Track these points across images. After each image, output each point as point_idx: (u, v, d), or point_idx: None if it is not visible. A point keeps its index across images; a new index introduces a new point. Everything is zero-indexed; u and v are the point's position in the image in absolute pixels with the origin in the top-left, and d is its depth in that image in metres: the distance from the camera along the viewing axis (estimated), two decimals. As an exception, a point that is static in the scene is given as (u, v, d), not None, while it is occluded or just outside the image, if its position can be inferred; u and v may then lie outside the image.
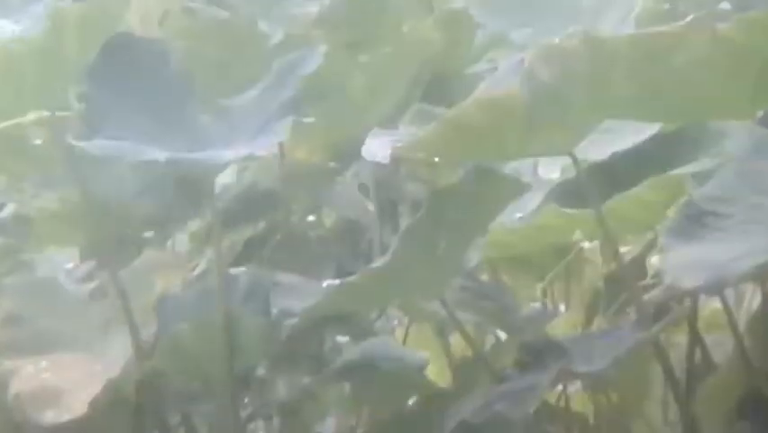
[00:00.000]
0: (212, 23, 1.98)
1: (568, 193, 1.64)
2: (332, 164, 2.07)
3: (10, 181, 1.89)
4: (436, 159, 1.65)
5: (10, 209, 1.80)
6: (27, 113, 1.75)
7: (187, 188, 1.83)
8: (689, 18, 1.41)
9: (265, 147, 1.65)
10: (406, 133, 1.48)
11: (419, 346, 1.89)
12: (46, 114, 1.73)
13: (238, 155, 1.68)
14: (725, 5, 1.63)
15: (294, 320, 1.62)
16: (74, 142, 1.60)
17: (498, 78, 1.50)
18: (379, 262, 1.49)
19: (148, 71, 1.71)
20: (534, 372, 1.45)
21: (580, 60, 1.39)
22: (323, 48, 1.67)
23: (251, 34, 1.95)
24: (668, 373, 1.54)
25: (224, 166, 1.70)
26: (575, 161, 1.48)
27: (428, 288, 1.56)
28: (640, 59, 1.40)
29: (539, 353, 1.49)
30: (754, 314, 1.65)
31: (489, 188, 1.51)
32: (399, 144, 1.45)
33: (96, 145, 1.60)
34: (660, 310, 1.53)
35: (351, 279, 1.51)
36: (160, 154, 1.58)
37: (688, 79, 1.46)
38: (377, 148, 1.48)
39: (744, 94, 1.53)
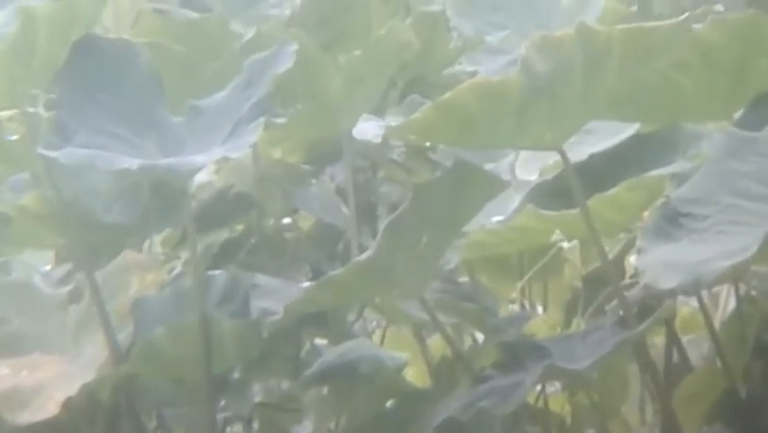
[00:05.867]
0: (184, 24, 1.97)
1: (546, 194, 1.65)
2: (307, 166, 2.07)
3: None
4: (427, 143, 1.65)
5: (-16, 211, 1.78)
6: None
7: (162, 191, 1.83)
8: (685, 15, 1.42)
9: (238, 149, 1.64)
10: (395, 119, 1.48)
11: (397, 349, 1.89)
12: (19, 112, 1.71)
13: (211, 159, 1.67)
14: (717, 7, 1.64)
15: (272, 321, 1.61)
16: (45, 152, 1.58)
17: (499, 68, 1.50)
18: (362, 257, 1.49)
19: (117, 73, 1.70)
20: (517, 371, 1.46)
21: (574, 51, 1.39)
22: (294, 46, 1.67)
23: (223, 34, 1.95)
24: (648, 372, 1.55)
25: (197, 170, 1.69)
26: (564, 157, 1.48)
27: (410, 285, 1.56)
28: (634, 53, 1.41)
29: (520, 353, 1.50)
30: (730, 314, 1.67)
31: (471, 184, 1.52)
32: (393, 125, 1.45)
33: (68, 154, 1.59)
34: (639, 310, 1.54)
35: (334, 273, 1.51)
36: (133, 162, 1.57)
37: (668, 80, 1.47)
38: (369, 128, 1.48)
39: (720, 96, 1.55)
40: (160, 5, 1.99)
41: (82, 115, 1.66)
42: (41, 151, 1.60)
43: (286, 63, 1.66)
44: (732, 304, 1.68)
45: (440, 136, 1.53)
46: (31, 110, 1.73)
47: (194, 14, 1.98)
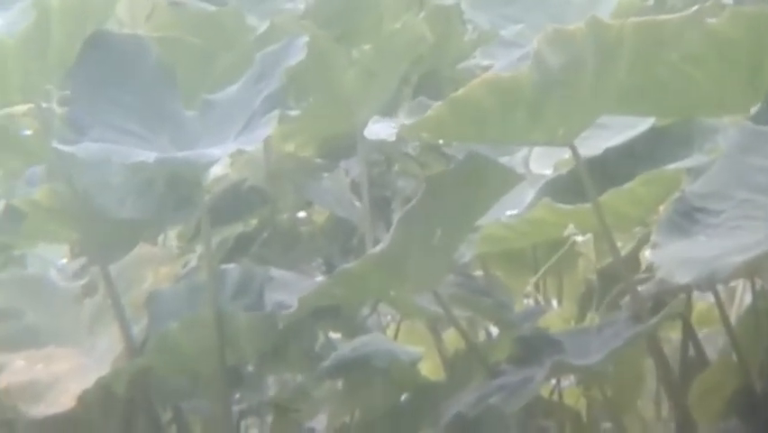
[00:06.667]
0: (199, 17, 1.97)
1: (561, 188, 1.64)
2: (320, 160, 2.07)
3: (2, 175, 1.88)
4: (440, 140, 1.64)
5: (1, 205, 1.79)
6: (13, 105, 1.74)
7: (177, 185, 1.83)
8: (695, 8, 1.41)
9: (253, 141, 1.64)
10: (408, 118, 1.48)
11: (411, 343, 1.89)
12: (34, 106, 1.71)
13: (226, 152, 1.67)
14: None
15: (287, 314, 1.61)
16: (60, 147, 1.59)
17: (511, 62, 1.50)
18: (376, 250, 1.48)
19: (129, 68, 1.71)
20: (530, 366, 1.46)
21: (586, 45, 1.39)
22: (305, 38, 1.66)
23: (238, 27, 1.95)
24: (662, 366, 1.55)
25: (213, 163, 1.69)
26: (575, 152, 1.48)
27: (424, 278, 1.55)
28: (645, 46, 1.40)
29: (535, 347, 1.49)
30: (746, 310, 1.66)
31: (485, 176, 1.51)
32: (406, 123, 1.45)
33: (84, 149, 1.59)
34: (653, 305, 1.54)
35: (348, 266, 1.50)
36: (149, 155, 1.58)
37: (682, 74, 1.47)
38: (381, 128, 1.48)
39: (736, 90, 1.54)
40: (176, -3, 2.00)
41: (95, 110, 1.66)
42: (56, 145, 1.60)
43: (297, 56, 1.66)
44: (748, 299, 1.68)
45: (453, 133, 1.52)
46: (44, 105, 1.73)
47: (210, 7, 1.98)
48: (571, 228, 1.68)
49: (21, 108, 1.76)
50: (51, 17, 1.66)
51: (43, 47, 1.67)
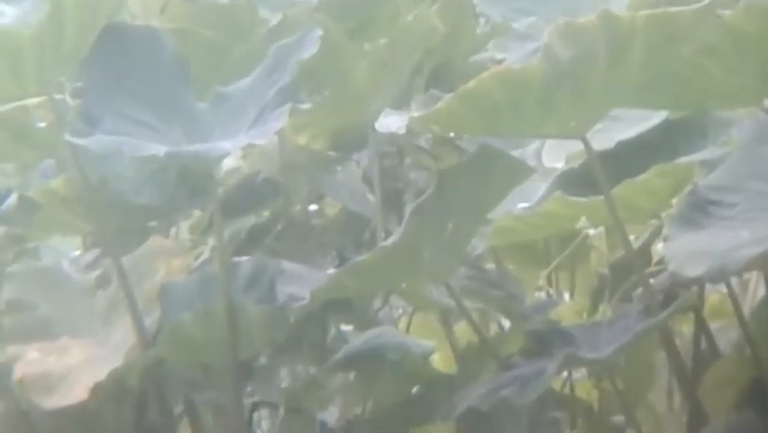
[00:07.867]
0: (212, 9, 1.97)
1: (574, 181, 1.64)
2: (333, 153, 2.07)
3: (16, 168, 1.88)
4: (451, 133, 1.64)
5: (15, 197, 1.80)
6: (27, 97, 1.75)
7: (189, 176, 1.83)
8: (705, 1, 1.41)
9: (264, 135, 1.65)
10: (418, 110, 1.48)
11: (423, 336, 1.89)
12: (47, 98, 1.72)
13: (237, 145, 1.68)
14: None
15: (299, 306, 1.62)
16: (73, 139, 1.59)
17: (524, 55, 1.50)
18: (388, 242, 1.49)
19: (144, 60, 1.71)
20: (541, 359, 1.46)
21: (597, 38, 1.39)
22: (319, 32, 1.66)
23: (250, 19, 1.95)
24: (674, 359, 1.55)
25: (224, 157, 1.70)
26: (587, 145, 1.48)
27: (436, 271, 1.55)
28: (657, 38, 1.40)
29: (546, 340, 1.50)
30: (759, 302, 1.66)
31: (497, 169, 1.51)
32: (416, 115, 1.45)
33: (96, 141, 1.60)
34: (665, 298, 1.53)
35: (360, 259, 1.51)
36: (160, 148, 1.58)
37: (695, 66, 1.46)
38: (392, 121, 1.48)
39: (750, 82, 1.53)
40: (189, -11, 2.00)
41: (108, 101, 1.67)
42: (68, 138, 1.60)
43: (311, 49, 1.66)
44: (761, 291, 1.67)
45: (463, 126, 1.52)
46: (58, 97, 1.74)
47: (222, 0, 1.98)
48: (583, 221, 1.68)
49: (34, 100, 1.76)
50: (65, 8, 1.66)
51: (57, 38, 1.68)
